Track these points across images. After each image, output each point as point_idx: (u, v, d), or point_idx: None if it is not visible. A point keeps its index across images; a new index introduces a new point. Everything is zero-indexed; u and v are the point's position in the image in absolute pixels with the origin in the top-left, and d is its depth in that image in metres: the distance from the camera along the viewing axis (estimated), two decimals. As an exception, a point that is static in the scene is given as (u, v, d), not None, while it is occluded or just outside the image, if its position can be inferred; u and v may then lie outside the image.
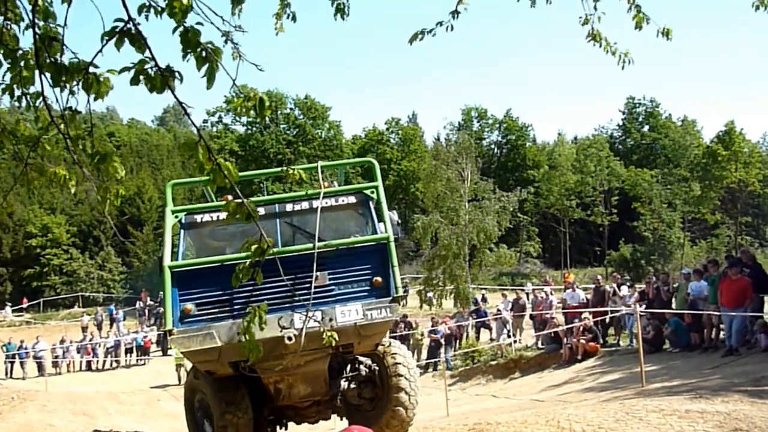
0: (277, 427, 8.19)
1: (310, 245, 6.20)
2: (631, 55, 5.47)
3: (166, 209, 6.95)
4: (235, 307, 6.24)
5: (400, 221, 7.79)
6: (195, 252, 7.01)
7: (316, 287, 6.14)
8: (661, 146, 55.99)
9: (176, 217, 6.93)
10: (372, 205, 7.16)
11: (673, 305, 13.91)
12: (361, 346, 6.60)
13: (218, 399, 6.75)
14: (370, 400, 7.37)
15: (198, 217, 7.01)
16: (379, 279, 6.44)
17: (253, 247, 2.62)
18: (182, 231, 6.87)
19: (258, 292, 6.13)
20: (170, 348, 22.27)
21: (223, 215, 6.80)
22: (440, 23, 5.33)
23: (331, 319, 6.17)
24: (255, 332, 6.12)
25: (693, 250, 46.63)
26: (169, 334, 6.30)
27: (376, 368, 7.31)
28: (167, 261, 6.39)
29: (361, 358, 7.33)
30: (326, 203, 6.93)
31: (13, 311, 37.93)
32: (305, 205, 6.93)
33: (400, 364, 7.17)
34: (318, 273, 6.20)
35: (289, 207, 7.00)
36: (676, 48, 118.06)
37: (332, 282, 6.38)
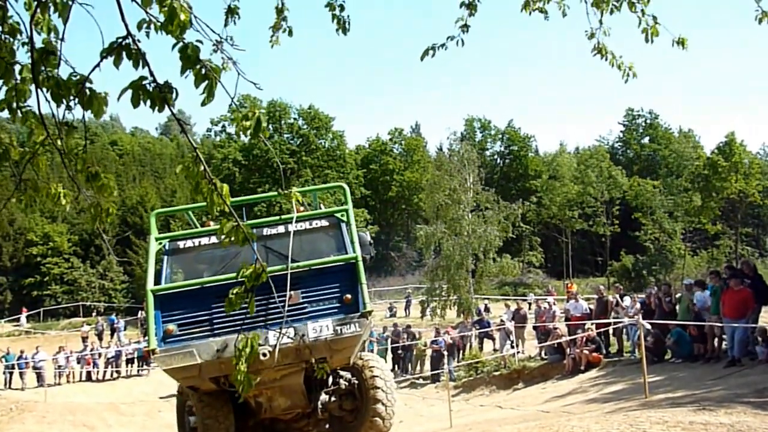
0: None
1: (284, 266, 6.44)
2: (635, 69, 5.47)
3: (150, 236, 7.46)
4: (215, 326, 6.65)
5: (372, 241, 8.25)
6: (179, 276, 7.44)
7: (289, 305, 6.45)
8: (662, 157, 56.04)
9: (160, 243, 7.42)
10: (344, 227, 7.58)
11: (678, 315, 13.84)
12: (334, 360, 6.92)
13: (202, 409, 7.21)
14: (351, 412, 7.77)
15: (181, 243, 7.51)
16: (348, 296, 6.83)
17: (248, 272, 2.59)
18: (166, 256, 7.35)
19: (234, 313, 6.29)
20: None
21: (204, 240, 7.44)
22: (451, 38, 5.35)
23: (303, 335, 6.53)
24: (234, 350, 6.26)
25: (694, 261, 46.56)
26: (152, 354, 6.73)
27: (356, 381, 7.71)
28: (150, 285, 6.84)
29: (341, 372, 7.70)
30: (300, 227, 7.37)
31: (10, 321, 37.86)
32: (281, 228, 7.37)
33: (377, 377, 7.56)
34: (291, 292, 6.57)
35: (266, 231, 7.42)
36: (677, 59, 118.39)
37: (305, 300, 6.78)
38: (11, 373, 23.80)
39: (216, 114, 57.05)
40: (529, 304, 28.32)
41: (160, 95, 2.20)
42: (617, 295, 16.56)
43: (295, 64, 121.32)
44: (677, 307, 13.86)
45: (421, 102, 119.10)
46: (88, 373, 25.18)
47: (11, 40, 2.59)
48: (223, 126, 56.99)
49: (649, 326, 13.26)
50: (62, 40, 2.48)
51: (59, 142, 2.49)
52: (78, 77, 2.44)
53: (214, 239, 7.44)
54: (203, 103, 2.28)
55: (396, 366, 21.38)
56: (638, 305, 15.22)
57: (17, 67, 2.58)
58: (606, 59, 5.44)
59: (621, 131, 61.43)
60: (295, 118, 56.42)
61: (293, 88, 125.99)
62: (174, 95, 2.25)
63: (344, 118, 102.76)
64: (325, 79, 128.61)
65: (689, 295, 13.35)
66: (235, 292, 2.64)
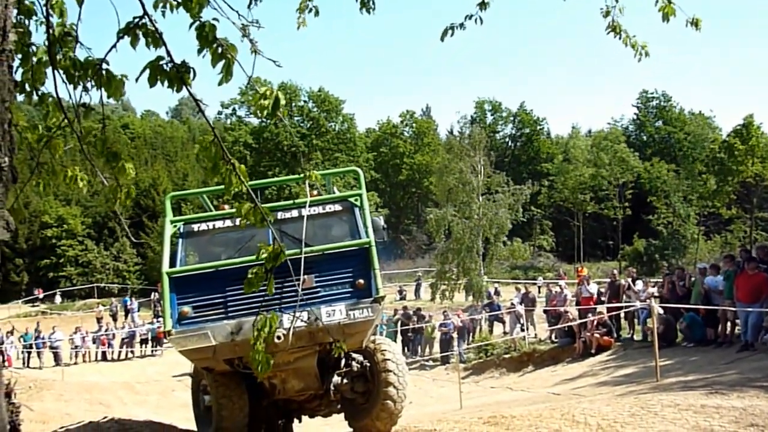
0: (290, 420, 8.96)
1: (298, 250, 6.46)
2: (648, 48, 5.40)
3: (165, 219, 7.47)
4: (229, 309, 6.72)
5: (385, 226, 8.28)
6: (194, 258, 7.53)
7: (303, 289, 6.54)
8: (676, 140, 55.37)
9: (175, 226, 7.46)
10: (357, 211, 7.59)
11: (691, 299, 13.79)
12: (346, 344, 6.90)
13: (216, 389, 7.30)
14: (363, 394, 7.83)
15: (195, 226, 7.56)
16: (361, 281, 6.88)
17: (267, 253, 2.59)
18: (181, 239, 7.42)
19: (249, 296, 6.45)
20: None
21: (219, 224, 7.49)
22: (469, 16, 5.29)
23: (316, 319, 6.56)
24: (248, 332, 6.33)
25: (707, 245, 46.16)
26: (168, 335, 6.83)
27: (368, 364, 7.76)
28: (165, 267, 6.90)
29: (353, 355, 7.74)
30: (314, 211, 7.40)
31: (27, 302, 38.51)
32: (294, 213, 7.39)
33: (389, 360, 7.60)
34: (305, 276, 6.59)
35: (279, 215, 7.41)
36: (692, 40, 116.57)
37: (318, 284, 6.83)
38: (29, 353, 24.22)
39: (226, 97, 56.99)
40: (539, 287, 28.33)
41: (178, 75, 2.20)
42: (629, 279, 16.51)
43: (305, 47, 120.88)
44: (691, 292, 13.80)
45: (432, 84, 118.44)
46: (103, 353, 25.60)
47: (27, 22, 2.59)
48: (234, 109, 56.91)
49: (661, 310, 13.22)
50: (79, 19, 2.48)
51: (76, 125, 2.49)
52: (93, 59, 2.44)
53: (228, 222, 7.49)
54: (221, 83, 2.27)
55: (405, 348, 21.51)
56: (651, 289, 15.17)
57: (33, 49, 2.58)
58: (620, 38, 5.37)
59: (635, 114, 60.71)
60: (305, 101, 56.22)
61: (303, 70, 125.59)
62: (192, 75, 2.24)
63: (354, 101, 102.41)
64: (336, 61, 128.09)
65: (703, 280, 13.29)
66: (254, 272, 2.65)
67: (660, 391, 8.54)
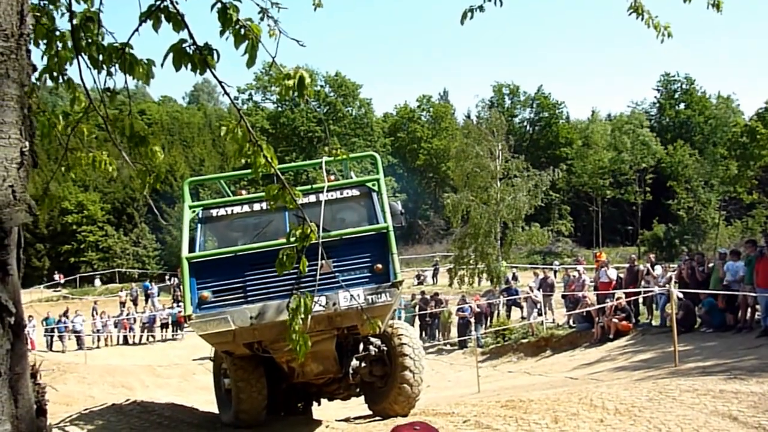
0: (310, 404, 9.16)
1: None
2: (671, 29, 5.31)
3: (184, 204, 7.50)
4: (248, 293, 6.75)
5: (403, 211, 8.27)
6: (213, 243, 7.60)
7: (321, 274, 6.51)
8: (697, 124, 54.46)
9: (193, 211, 7.47)
10: (375, 196, 7.58)
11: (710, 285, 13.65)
12: (364, 328, 6.93)
13: (235, 372, 7.45)
14: (381, 378, 7.94)
15: (214, 212, 7.59)
16: (379, 266, 6.86)
17: (298, 233, 2.62)
18: (200, 224, 7.45)
19: (268, 280, 6.64)
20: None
21: (237, 209, 7.54)
22: None
23: (335, 304, 6.62)
24: (269, 316, 6.39)
25: (728, 230, 45.54)
26: (188, 319, 6.87)
27: (385, 348, 7.85)
28: (185, 252, 6.95)
29: (372, 339, 7.83)
30: (331, 196, 7.36)
31: (49, 287, 39.20)
32: (312, 198, 7.31)
33: (405, 344, 7.68)
34: (323, 261, 6.57)
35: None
36: (714, 22, 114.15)
37: (336, 269, 6.79)
38: (51, 336, 24.70)
39: (242, 82, 56.96)
40: (555, 271, 28.17)
41: (201, 58, 2.20)
42: (648, 264, 16.38)
43: (321, 31, 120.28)
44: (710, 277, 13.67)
45: (449, 68, 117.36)
46: (125, 337, 26.03)
47: (51, 8, 2.61)
48: (250, 95, 57.03)
49: (681, 295, 13.11)
50: (101, 4, 2.49)
51: (102, 109, 2.51)
52: (116, 44, 2.46)
53: (246, 208, 7.55)
54: (248, 65, 2.27)
55: (423, 332, 21.60)
56: (669, 274, 15.04)
57: (57, 34, 2.60)
58: (642, 18, 5.29)
59: (656, 97, 59.76)
60: (321, 86, 56.14)
61: (320, 55, 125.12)
62: (216, 57, 2.25)
63: (371, 85, 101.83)
64: (352, 45, 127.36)
65: (723, 265, 13.15)
66: (286, 253, 2.67)
67: (678, 376, 8.51)
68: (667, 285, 13.68)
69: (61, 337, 24.67)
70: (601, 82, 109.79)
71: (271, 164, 2.37)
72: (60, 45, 2.58)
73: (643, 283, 15.59)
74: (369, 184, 7.68)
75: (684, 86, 58.12)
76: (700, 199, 45.34)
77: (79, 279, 41.89)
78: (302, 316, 2.79)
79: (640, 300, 15.73)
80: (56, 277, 40.58)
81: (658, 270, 15.89)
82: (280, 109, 55.41)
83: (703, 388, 7.05)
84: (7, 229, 1.34)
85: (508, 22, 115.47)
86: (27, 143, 1.48)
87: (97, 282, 41.85)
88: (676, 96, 58.50)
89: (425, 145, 56.44)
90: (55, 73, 2.69)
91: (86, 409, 9.40)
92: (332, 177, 7.96)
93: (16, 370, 1.39)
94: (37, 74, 2.55)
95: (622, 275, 17.18)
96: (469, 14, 5.23)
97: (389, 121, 60.65)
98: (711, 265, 14.17)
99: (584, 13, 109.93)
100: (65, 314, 25.84)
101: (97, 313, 26.94)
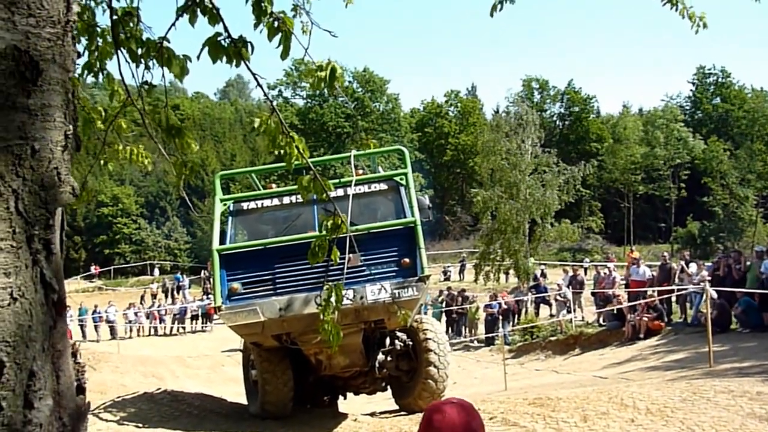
0: (336, 397, 9.28)
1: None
2: (706, 19, 5.18)
3: (215, 198, 7.62)
4: (278, 285, 6.82)
5: (431, 205, 8.27)
6: (243, 236, 7.70)
7: (348, 268, 6.49)
8: (734, 118, 53.07)
9: (225, 204, 7.58)
10: (403, 191, 7.59)
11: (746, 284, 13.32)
12: (391, 322, 7.02)
13: (261, 363, 7.53)
14: (407, 372, 7.97)
15: (245, 205, 7.69)
16: (406, 260, 6.89)
17: (329, 224, 2.65)
18: (230, 217, 7.55)
19: (297, 273, 6.71)
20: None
21: (267, 202, 7.62)
22: None
23: (362, 297, 6.65)
24: (297, 308, 6.44)
25: (765, 228, 44.37)
26: (218, 310, 6.99)
27: (411, 343, 7.87)
28: (215, 245, 7.05)
29: (398, 333, 7.85)
30: (359, 190, 7.41)
31: (85, 278, 40.25)
32: (340, 192, 7.33)
33: (430, 339, 7.68)
34: (351, 255, 6.57)
35: None
36: (751, 12, 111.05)
37: (364, 263, 6.80)
38: (83, 326, 25.32)
39: (272, 78, 57.37)
40: (585, 269, 27.80)
41: (236, 50, 2.23)
42: (682, 262, 16.05)
43: (349, 27, 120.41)
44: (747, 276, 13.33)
45: (477, 63, 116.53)
46: (155, 328, 26.53)
47: (93, 4, 2.67)
48: (280, 90, 57.42)
49: (715, 294, 12.82)
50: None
51: (139, 102, 2.56)
52: (154, 38, 2.50)
53: (276, 201, 7.62)
54: (282, 57, 2.29)
55: (450, 329, 21.53)
56: (705, 272, 14.71)
57: (98, 30, 2.66)
58: (677, 9, 5.17)
59: (690, 90, 58.38)
60: (349, 81, 56.23)
61: (348, 50, 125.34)
62: (250, 50, 2.28)
63: (399, 80, 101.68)
64: (380, 40, 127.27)
65: (760, 264, 12.81)
66: (318, 244, 2.71)
67: (713, 376, 8.33)
68: (701, 283, 13.41)
69: (95, 327, 25.26)
70: (633, 76, 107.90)
71: (303, 155, 2.39)
72: (100, 41, 2.64)
73: (676, 280, 15.29)
74: (397, 178, 7.70)
75: (720, 79, 56.73)
76: (737, 195, 44.23)
77: (113, 270, 42.87)
78: (334, 306, 2.80)
79: (673, 298, 15.43)
80: (92, 269, 41.65)
81: (692, 268, 15.55)
82: (309, 105, 55.67)
83: (739, 390, 6.89)
84: (52, 209, 1.38)
85: (538, 15, 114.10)
86: (71, 126, 1.52)
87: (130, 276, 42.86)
88: (712, 90, 57.12)
89: (452, 140, 56.20)
90: (95, 69, 2.75)
91: (119, 397, 9.60)
92: (360, 171, 7.98)
93: (58, 347, 1.43)
94: (79, 69, 2.62)
95: (654, 273, 16.88)
96: (499, 6, 5.17)
97: (416, 117, 60.51)
98: (748, 263, 13.82)
99: (615, 4, 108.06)
100: (111, 304, 26.45)
101: (140, 303, 27.55)
